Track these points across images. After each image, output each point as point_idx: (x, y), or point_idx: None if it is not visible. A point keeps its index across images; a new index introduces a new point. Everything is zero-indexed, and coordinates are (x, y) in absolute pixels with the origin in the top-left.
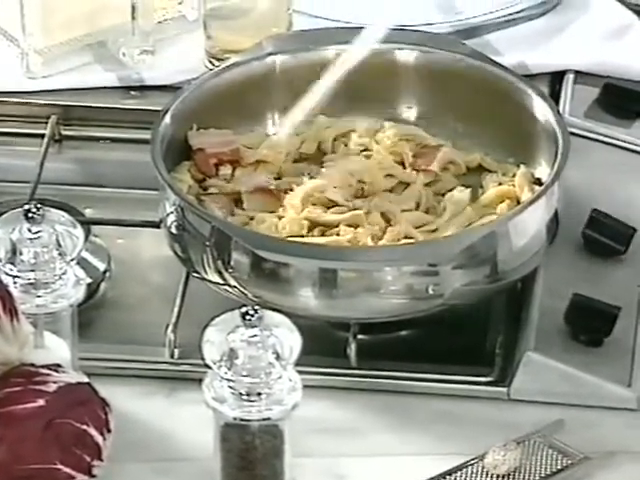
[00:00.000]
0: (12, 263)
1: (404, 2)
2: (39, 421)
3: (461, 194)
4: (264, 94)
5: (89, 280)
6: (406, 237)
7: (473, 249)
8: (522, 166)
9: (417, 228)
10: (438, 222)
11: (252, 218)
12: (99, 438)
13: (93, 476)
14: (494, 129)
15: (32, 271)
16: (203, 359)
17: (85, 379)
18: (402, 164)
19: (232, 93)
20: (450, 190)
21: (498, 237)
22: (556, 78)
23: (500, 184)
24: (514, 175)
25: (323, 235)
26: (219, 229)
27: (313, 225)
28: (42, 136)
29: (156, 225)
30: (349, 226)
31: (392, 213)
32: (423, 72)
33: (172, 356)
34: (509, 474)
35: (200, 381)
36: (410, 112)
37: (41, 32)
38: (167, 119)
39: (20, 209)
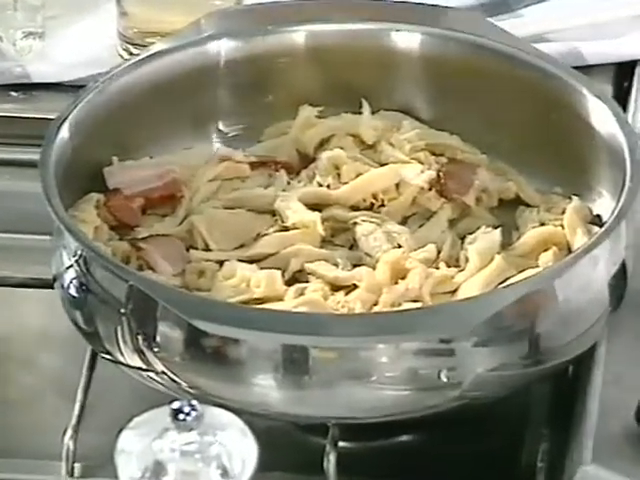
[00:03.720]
0: None
1: None
2: None
3: (489, 237)
4: (204, 95)
5: None
6: (414, 301)
7: (504, 318)
8: (574, 198)
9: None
10: (459, 278)
11: (221, 264)
12: None
13: None
14: (534, 145)
15: None
16: (116, 477)
17: None
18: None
19: (158, 94)
20: (472, 232)
21: (540, 301)
22: (623, 72)
23: (543, 224)
24: (563, 211)
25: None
26: (140, 290)
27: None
28: None
29: (49, 285)
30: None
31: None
32: (430, 63)
33: (71, 473)
34: None
35: None
36: (412, 119)
37: None
38: (64, 132)
39: None
